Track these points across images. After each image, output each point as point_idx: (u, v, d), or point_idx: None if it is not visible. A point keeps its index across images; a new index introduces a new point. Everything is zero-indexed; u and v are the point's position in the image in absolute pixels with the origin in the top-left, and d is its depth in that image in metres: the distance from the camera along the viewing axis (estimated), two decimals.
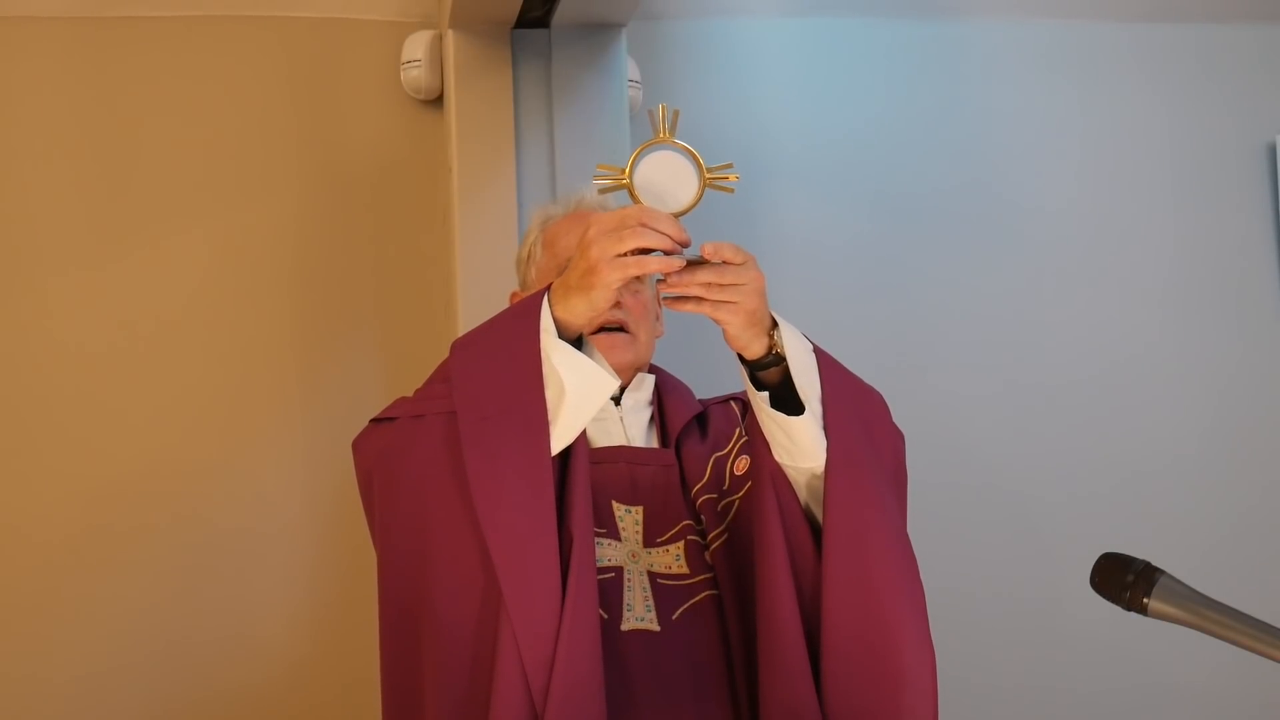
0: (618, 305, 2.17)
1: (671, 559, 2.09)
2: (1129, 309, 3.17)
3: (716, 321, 1.90)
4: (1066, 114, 3.19)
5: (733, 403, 2.28)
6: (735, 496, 2.12)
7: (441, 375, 2.03)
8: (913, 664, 1.93)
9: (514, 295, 2.39)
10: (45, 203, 2.83)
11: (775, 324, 1.94)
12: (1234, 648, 1.57)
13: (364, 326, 2.90)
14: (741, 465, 2.13)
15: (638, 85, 2.94)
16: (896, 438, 2.08)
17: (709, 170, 1.88)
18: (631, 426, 2.21)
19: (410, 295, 2.92)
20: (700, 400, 2.30)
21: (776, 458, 1.99)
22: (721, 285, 1.86)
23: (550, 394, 1.88)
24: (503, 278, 2.52)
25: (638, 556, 2.07)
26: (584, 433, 1.97)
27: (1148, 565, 1.62)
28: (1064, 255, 3.16)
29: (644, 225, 1.82)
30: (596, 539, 2.01)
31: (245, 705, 2.79)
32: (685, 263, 1.85)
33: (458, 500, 1.90)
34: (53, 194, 2.83)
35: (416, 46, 2.89)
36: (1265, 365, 3.19)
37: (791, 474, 1.99)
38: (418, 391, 2.09)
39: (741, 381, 2.00)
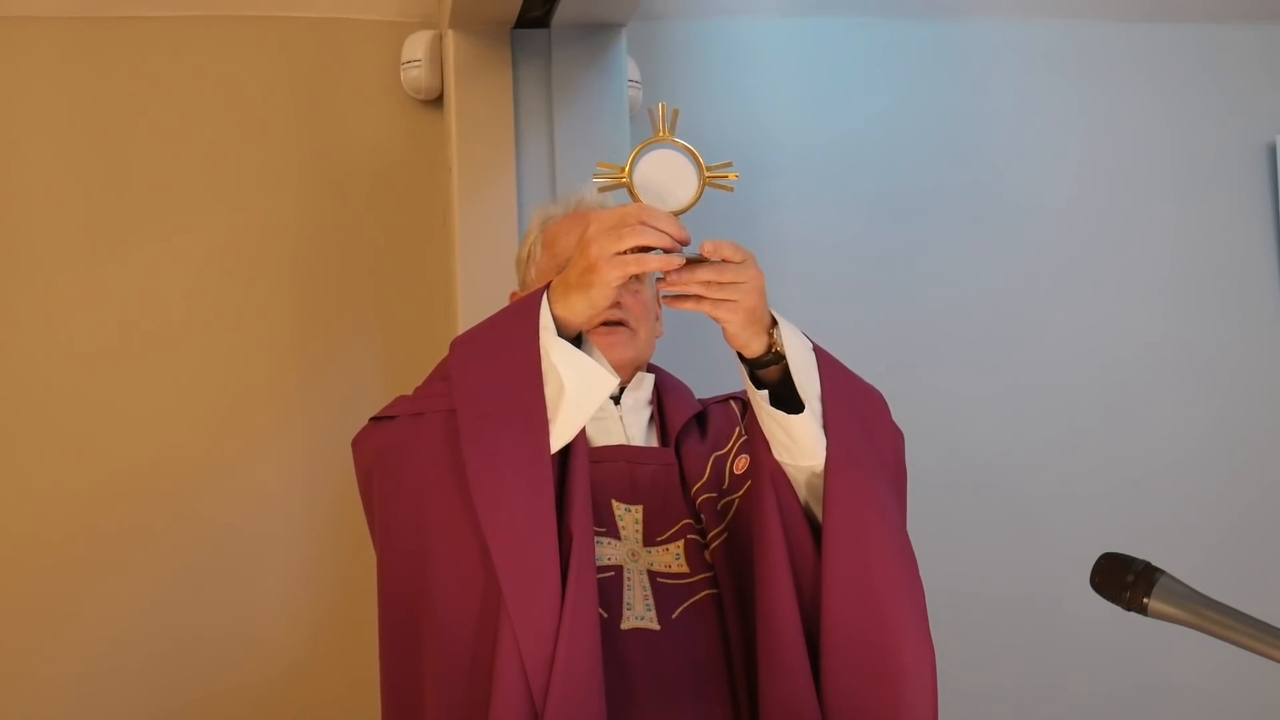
0: (617, 305, 2.17)
1: (671, 558, 2.09)
2: (1129, 309, 3.17)
3: (716, 320, 1.90)
4: (1066, 114, 3.19)
5: (732, 402, 2.28)
6: (735, 496, 2.12)
7: (441, 373, 2.03)
8: (913, 663, 1.93)
9: (514, 295, 2.39)
10: (45, 203, 2.83)
11: (775, 322, 1.94)
12: (1234, 648, 1.57)
13: (364, 326, 2.91)
14: (741, 464, 2.13)
15: (638, 85, 2.94)
16: (896, 436, 2.08)
17: (708, 169, 1.88)
18: (631, 426, 2.21)
19: (410, 295, 2.92)
20: (700, 400, 2.30)
21: (776, 456, 1.98)
22: (721, 283, 1.86)
23: (550, 391, 1.88)
24: (503, 278, 2.52)
25: (637, 555, 2.07)
26: (583, 431, 1.97)
27: (1148, 565, 1.62)
28: (1064, 255, 3.16)
29: (644, 223, 1.82)
30: (596, 538, 2.01)
31: (245, 705, 2.79)
32: (685, 261, 1.85)
33: (457, 498, 1.90)
34: (53, 194, 2.83)
35: (416, 46, 2.89)
36: (1265, 365, 3.19)
37: (791, 472, 1.99)
38: (417, 390, 2.09)
39: (741, 381, 2.00)
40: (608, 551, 2.05)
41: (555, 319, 1.90)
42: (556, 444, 1.90)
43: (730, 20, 3.09)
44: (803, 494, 2.00)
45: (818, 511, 1.99)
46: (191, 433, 2.83)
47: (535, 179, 2.84)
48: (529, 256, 2.35)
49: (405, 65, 2.91)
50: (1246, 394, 3.18)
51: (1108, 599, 1.64)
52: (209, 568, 2.81)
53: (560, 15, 2.81)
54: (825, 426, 1.95)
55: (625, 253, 1.82)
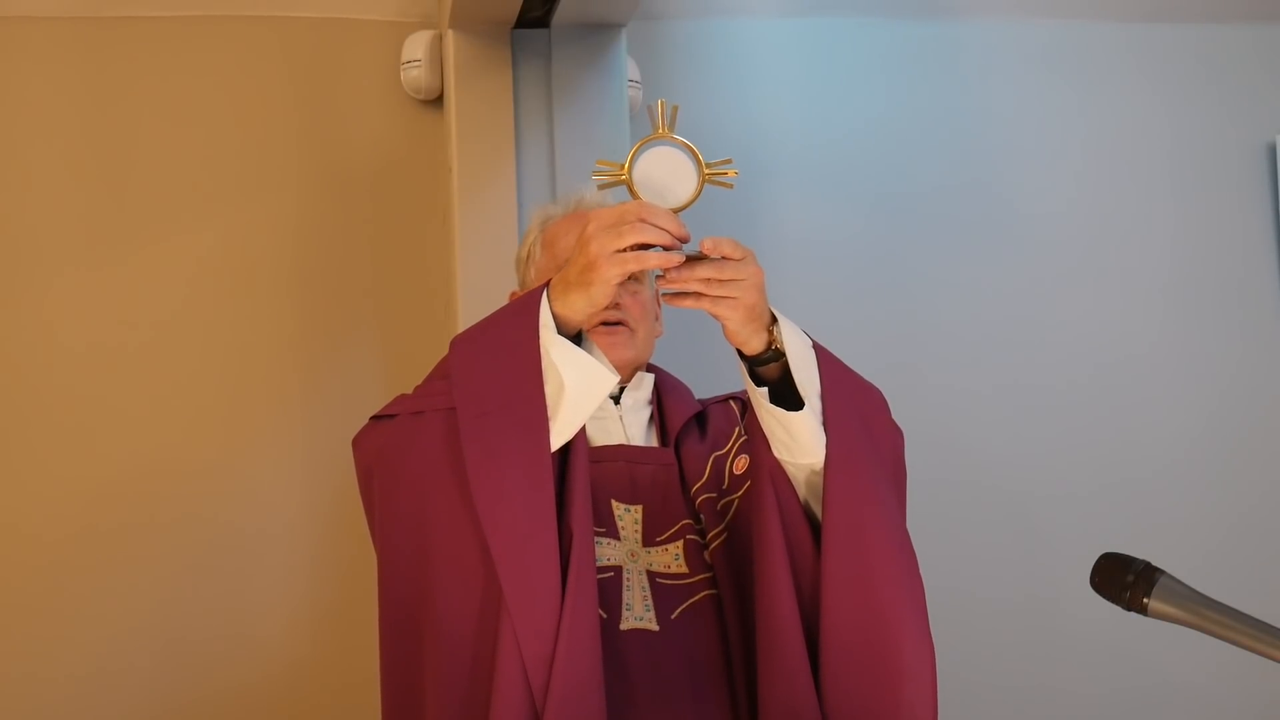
0: (617, 306, 2.17)
1: (671, 558, 2.08)
2: (1129, 309, 3.17)
3: (716, 317, 1.90)
4: (1066, 114, 3.19)
5: (732, 402, 2.27)
6: (734, 496, 2.11)
7: (441, 372, 2.03)
8: (912, 661, 1.93)
9: (513, 295, 2.39)
10: (45, 203, 2.83)
11: (774, 319, 1.94)
12: (1234, 648, 1.57)
13: (364, 326, 2.91)
14: (741, 464, 2.13)
15: (638, 85, 2.94)
16: (896, 434, 2.07)
17: (708, 166, 1.88)
18: (631, 425, 2.21)
19: (410, 295, 2.92)
20: (700, 400, 2.29)
21: (776, 454, 1.98)
22: (721, 280, 1.86)
23: (549, 389, 1.88)
24: (503, 278, 2.52)
25: (637, 556, 2.07)
26: (583, 431, 1.97)
27: (1148, 565, 1.62)
28: (1064, 255, 3.16)
29: (643, 221, 1.82)
30: (596, 538, 2.00)
31: (245, 705, 2.79)
32: (685, 258, 1.85)
33: (458, 497, 1.90)
34: (53, 194, 2.83)
35: (416, 46, 2.89)
36: (1265, 365, 3.19)
37: (791, 470, 1.99)
38: (418, 388, 2.09)
39: (741, 380, 2.00)
40: (607, 552, 2.05)
41: (555, 317, 1.89)
42: (557, 442, 1.90)
43: (730, 20, 3.09)
44: (802, 492, 2.00)
45: (817, 510, 1.99)
46: (191, 433, 2.83)
47: (535, 179, 2.84)
48: (529, 256, 2.35)
49: (405, 65, 2.91)
50: (1246, 394, 3.18)
51: (1108, 599, 1.64)
52: (209, 568, 2.81)
53: (560, 15, 2.81)
54: (825, 424, 1.95)
55: (625, 250, 1.82)
